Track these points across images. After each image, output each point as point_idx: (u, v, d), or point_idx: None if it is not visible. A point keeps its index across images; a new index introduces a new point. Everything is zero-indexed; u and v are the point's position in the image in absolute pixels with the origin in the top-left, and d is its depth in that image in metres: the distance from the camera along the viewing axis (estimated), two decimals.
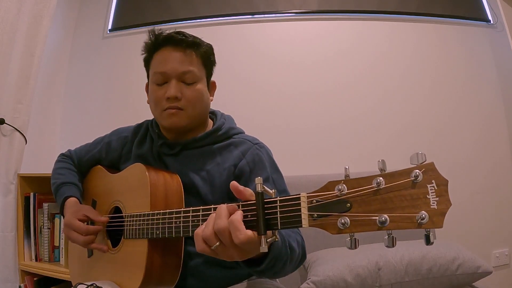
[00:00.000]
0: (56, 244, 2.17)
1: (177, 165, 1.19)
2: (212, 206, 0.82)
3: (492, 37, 2.71)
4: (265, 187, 0.72)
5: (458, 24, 2.71)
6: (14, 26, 2.03)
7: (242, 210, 0.75)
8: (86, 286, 1.05)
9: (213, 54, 1.26)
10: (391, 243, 0.61)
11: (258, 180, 0.72)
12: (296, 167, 2.32)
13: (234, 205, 0.75)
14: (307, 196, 0.68)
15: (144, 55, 1.24)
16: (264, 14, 2.69)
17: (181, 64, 1.15)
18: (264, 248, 0.69)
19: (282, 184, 1.17)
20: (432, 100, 2.61)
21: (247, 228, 0.72)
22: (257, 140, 1.24)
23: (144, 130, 1.32)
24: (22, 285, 2.09)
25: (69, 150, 1.47)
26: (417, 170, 0.59)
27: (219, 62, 2.67)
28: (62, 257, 2.13)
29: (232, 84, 2.57)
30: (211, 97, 1.27)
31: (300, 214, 0.67)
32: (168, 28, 2.49)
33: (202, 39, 1.23)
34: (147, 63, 1.24)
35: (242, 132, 1.29)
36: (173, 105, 1.15)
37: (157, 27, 1.21)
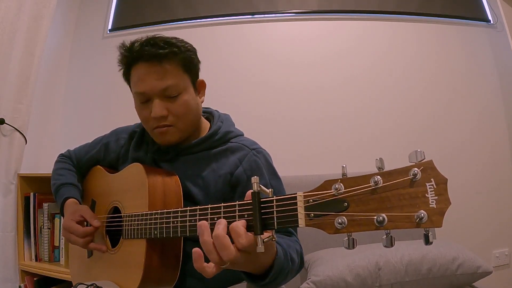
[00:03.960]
0: (56, 244, 2.17)
1: (172, 170, 1.16)
2: (209, 206, 0.82)
3: (492, 37, 2.70)
4: (262, 186, 0.72)
5: (458, 24, 2.70)
6: (14, 26, 2.03)
7: (238, 208, 0.75)
8: (86, 286, 1.05)
9: (195, 54, 1.17)
10: (390, 243, 0.60)
11: (255, 179, 0.72)
12: (297, 167, 2.33)
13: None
14: (304, 195, 0.67)
15: (121, 70, 1.18)
16: (264, 14, 2.69)
17: (160, 80, 1.08)
18: (260, 248, 0.69)
19: (281, 190, 1.16)
20: (432, 100, 2.61)
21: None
22: (255, 144, 1.21)
23: (141, 133, 1.30)
24: (22, 285, 2.09)
25: (68, 151, 1.47)
26: (416, 168, 0.58)
27: (219, 62, 2.68)
28: (62, 257, 2.14)
29: (232, 84, 2.57)
30: (202, 97, 1.22)
31: (297, 214, 0.67)
32: (166, 28, 2.47)
33: (181, 40, 1.15)
34: (126, 77, 1.18)
35: (241, 135, 1.25)
36: (162, 124, 1.12)
37: (142, 34, 1.13)
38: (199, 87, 1.20)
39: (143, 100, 1.13)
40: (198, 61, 1.19)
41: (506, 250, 2.49)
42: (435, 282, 1.67)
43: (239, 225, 0.71)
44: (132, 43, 1.12)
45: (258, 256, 0.75)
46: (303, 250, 1.06)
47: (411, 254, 1.69)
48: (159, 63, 1.08)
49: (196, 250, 0.74)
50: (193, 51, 1.16)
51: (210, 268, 0.75)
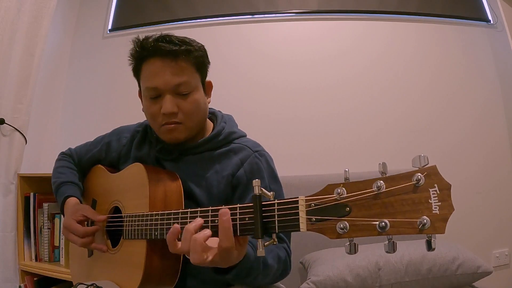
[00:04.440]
0: (56, 244, 2.18)
1: (175, 170, 1.16)
2: (210, 208, 0.82)
3: (492, 37, 2.70)
4: (263, 190, 0.72)
5: (458, 24, 2.70)
6: (14, 26, 2.03)
7: (239, 211, 0.76)
8: (86, 286, 1.05)
9: (207, 55, 1.18)
10: (392, 249, 0.60)
11: (256, 182, 0.72)
12: (297, 167, 2.33)
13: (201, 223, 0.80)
14: (305, 199, 0.67)
15: (131, 65, 1.17)
16: (264, 14, 2.69)
17: (174, 76, 1.08)
18: (261, 252, 0.69)
19: (280, 194, 1.16)
20: (432, 99, 2.61)
21: (244, 231, 0.75)
22: (259, 146, 1.21)
23: (144, 132, 1.30)
24: (22, 285, 2.09)
25: (69, 149, 1.47)
26: (419, 174, 0.58)
27: (219, 63, 2.67)
28: (62, 257, 2.14)
29: (232, 84, 2.57)
30: (209, 98, 1.23)
31: (298, 218, 0.67)
32: (166, 28, 2.46)
33: (193, 39, 1.16)
34: (136, 72, 1.17)
35: (244, 136, 1.26)
36: (171, 120, 1.11)
37: (142, 33, 1.12)
38: (207, 88, 1.22)
39: (154, 96, 1.12)
40: (208, 62, 1.20)
41: (506, 250, 2.50)
42: (435, 282, 1.67)
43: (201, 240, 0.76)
44: (146, 38, 1.11)
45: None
46: (290, 258, 1.07)
47: (411, 254, 1.69)
48: (174, 60, 1.08)
49: (176, 226, 0.81)
50: (205, 51, 1.18)
51: (176, 247, 0.81)
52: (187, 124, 1.13)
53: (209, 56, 1.20)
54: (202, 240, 0.76)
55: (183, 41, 1.11)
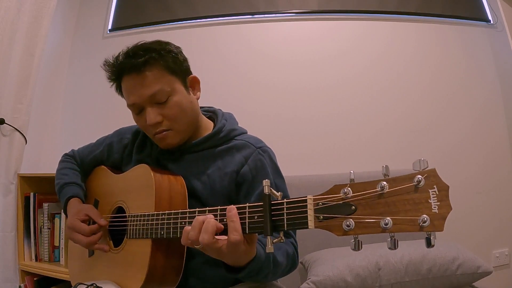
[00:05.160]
0: (56, 244, 2.17)
1: (177, 169, 1.17)
2: (219, 207, 0.84)
3: (492, 37, 2.71)
4: (272, 190, 0.75)
5: (458, 24, 2.71)
6: (14, 26, 2.03)
7: (249, 210, 0.79)
8: (86, 286, 1.05)
9: (180, 53, 1.17)
10: (394, 245, 0.63)
11: (266, 182, 0.75)
12: (297, 167, 2.33)
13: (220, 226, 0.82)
14: (314, 198, 0.70)
15: (112, 86, 1.20)
16: (264, 14, 2.69)
17: (145, 89, 1.08)
18: (270, 249, 0.72)
19: (284, 189, 1.17)
20: (432, 99, 2.62)
21: (253, 229, 0.77)
22: (261, 142, 1.22)
23: (144, 134, 1.30)
24: (22, 285, 2.09)
25: (72, 150, 1.48)
26: (420, 176, 0.62)
27: (219, 63, 2.67)
28: (62, 257, 2.14)
29: (232, 84, 2.57)
30: (197, 93, 1.21)
31: (306, 216, 0.70)
32: (166, 28, 2.46)
33: (163, 42, 1.16)
34: (120, 93, 1.19)
35: (245, 132, 1.26)
36: (158, 130, 1.12)
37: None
38: (192, 84, 1.20)
39: (137, 111, 1.14)
40: (184, 59, 1.18)
41: (506, 250, 2.50)
42: (435, 282, 1.67)
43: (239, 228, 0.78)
44: (116, 58, 1.13)
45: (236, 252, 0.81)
46: (297, 252, 1.09)
47: (411, 254, 1.70)
48: (140, 73, 1.08)
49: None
50: (176, 51, 1.16)
51: (188, 242, 0.83)
52: (176, 129, 1.14)
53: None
54: (214, 223, 0.80)
55: (147, 50, 1.10)
